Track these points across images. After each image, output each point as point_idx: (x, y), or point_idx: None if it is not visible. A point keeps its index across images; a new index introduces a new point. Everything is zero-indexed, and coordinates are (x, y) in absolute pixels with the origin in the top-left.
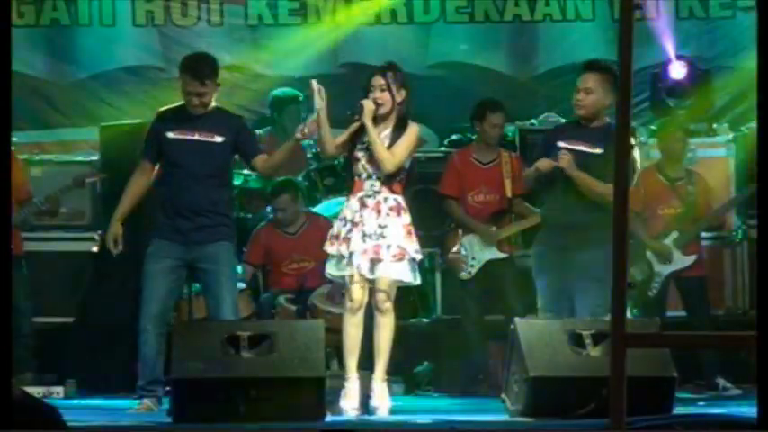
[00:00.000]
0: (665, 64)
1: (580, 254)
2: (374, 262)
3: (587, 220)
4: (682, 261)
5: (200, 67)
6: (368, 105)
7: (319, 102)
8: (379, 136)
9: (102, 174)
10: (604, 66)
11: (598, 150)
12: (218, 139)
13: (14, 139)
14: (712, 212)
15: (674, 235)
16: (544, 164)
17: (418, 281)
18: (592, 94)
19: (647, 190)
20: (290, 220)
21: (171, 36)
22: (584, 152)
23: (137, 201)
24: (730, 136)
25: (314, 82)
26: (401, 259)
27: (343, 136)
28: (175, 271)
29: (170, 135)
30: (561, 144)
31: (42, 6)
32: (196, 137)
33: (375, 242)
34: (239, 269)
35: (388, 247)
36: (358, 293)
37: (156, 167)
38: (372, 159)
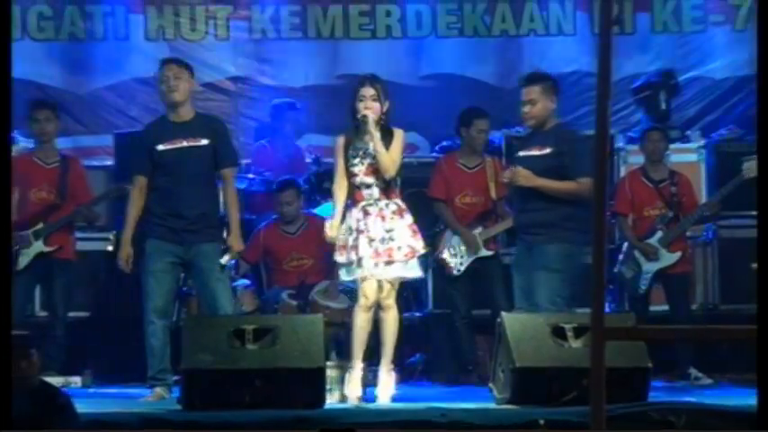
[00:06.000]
0: (641, 75)
1: (541, 249)
2: (388, 263)
3: (549, 217)
4: (668, 258)
5: (175, 59)
6: (371, 115)
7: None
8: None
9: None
10: (543, 76)
11: (547, 150)
12: (204, 141)
13: (32, 146)
14: (694, 212)
15: (659, 234)
16: (506, 174)
17: (423, 273)
18: (537, 104)
19: (634, 193)
20: (293, 215)
21: (180, 49)
22: (536, 155)
23: (140, 216)
24: (702, 142)
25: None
26: (411, 258)
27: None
28: (174, 269)
29: (160, 147)
30: (521, 153)
31: (61, 22)
32: (184, 144)
33: (386, 246)
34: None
35: (399, 248)
36: (370, 292)
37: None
38: (368, 170)
